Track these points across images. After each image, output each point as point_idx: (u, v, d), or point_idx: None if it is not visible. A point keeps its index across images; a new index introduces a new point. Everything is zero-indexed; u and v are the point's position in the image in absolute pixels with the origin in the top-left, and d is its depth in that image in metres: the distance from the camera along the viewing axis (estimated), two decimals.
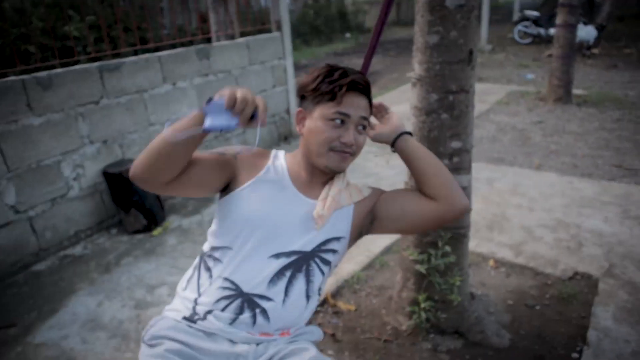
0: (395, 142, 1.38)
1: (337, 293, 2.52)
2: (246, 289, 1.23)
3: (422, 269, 2.08)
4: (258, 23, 5.09)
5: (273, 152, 1.40)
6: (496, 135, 4.98)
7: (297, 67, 6.70)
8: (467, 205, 1.34)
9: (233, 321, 1.23)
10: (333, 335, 2.23)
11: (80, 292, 2.66)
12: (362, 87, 1.30)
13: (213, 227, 1.35)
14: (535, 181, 3.74)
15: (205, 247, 1.36)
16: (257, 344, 1.25)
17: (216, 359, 1.20)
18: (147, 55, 3.57)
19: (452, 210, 1.33)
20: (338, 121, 1.26)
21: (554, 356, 2.03)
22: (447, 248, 2.05)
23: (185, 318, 1.26)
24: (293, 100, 5.08)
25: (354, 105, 1.28)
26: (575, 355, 2.03)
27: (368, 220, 1.38)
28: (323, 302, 2.44)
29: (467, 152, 2.01)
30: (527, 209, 3.28)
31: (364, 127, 1.32)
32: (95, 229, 3.32)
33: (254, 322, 1.24)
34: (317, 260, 1.30)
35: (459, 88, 1.91)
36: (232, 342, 1.24)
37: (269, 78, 4.73)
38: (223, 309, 1.24)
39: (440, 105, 1.93)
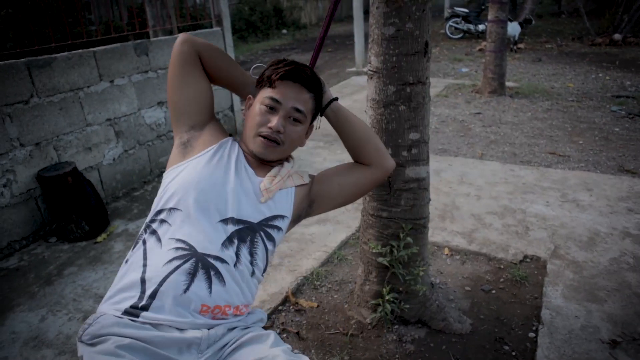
0: (326, 109, 1.43)
1: (297, 290, 2.48)
2: (200, 249, 1.19)
3: (384, 261, 2.08)
4: (197, 18, 4.92)
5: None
6: (439, 127, 5.13)
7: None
8: (394, 165, 1.49)
9: (187, 287, 1.14)
10: (297, 333, 2.19)
11: (19, 308, 2.45)
12: (302, 79, 1.32)
13: (158, 196, 1.32)
14: (480, 170, 3.88)
15: (148, 218, 1.31)
16: (209, 329, 1.17)
17: (168, 350, 1.11)
18: (81, 50, 3.35)
19: (386, 173, 1.48)
20: (269, 107, 1.30)
21: (512, 337, 2.10)
22: (409, 239, 2.06)
23: (126, 312, 1.14)
24: (236, 97, 4.97)
25: (288, 94, 1.31)
26: (531, 334, 2.11)
27: (306, 204, 1.44)
28: (285, 301, 2.39)
29: (425, 143, 2.03)
30: (475, 197, 3.39)
31: (297, 120, 1.34)
32: (32, 239, 3.07)
33: (210, 285, 1.17)
34: (262, 234, 1.30)
35: (415, 79, 1.92)
36: (182, 330, 1.14)
37: None
38: (176, 269, 1.15)
39: (397, 97, 1.93)
